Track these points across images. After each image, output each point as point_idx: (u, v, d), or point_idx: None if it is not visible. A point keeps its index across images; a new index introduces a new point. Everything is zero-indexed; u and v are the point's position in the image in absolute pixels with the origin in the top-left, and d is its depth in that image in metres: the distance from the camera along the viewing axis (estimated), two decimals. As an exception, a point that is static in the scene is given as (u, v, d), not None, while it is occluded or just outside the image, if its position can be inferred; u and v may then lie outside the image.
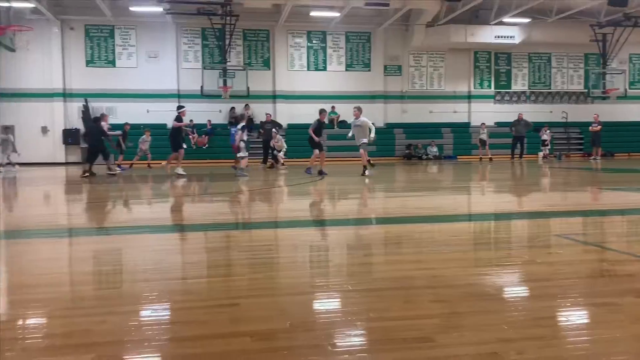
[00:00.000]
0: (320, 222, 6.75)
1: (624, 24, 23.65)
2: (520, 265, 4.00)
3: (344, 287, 3.39)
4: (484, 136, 22.70)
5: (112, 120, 19.24)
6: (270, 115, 20.99)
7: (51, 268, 4.07)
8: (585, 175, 14.90)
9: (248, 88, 22.19)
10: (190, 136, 21.63)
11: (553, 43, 25.27)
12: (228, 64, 22.34)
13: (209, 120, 23.12)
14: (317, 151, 14.15)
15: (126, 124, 19.23)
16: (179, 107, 14.92)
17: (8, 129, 20.56)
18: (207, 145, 22.44)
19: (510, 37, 24.09)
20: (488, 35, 23.89)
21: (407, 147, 24.41)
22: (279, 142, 18.36)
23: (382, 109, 24.97)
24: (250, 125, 19.70)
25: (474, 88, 26.08)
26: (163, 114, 21.59)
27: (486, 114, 25.17)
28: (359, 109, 13.14)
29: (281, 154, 18.32)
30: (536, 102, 26.62)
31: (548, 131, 23.18)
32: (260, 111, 22.68)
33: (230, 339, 2.47)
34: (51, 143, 22.64)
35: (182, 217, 7.35)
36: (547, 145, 23.15)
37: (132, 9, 21.69)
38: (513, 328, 2.59)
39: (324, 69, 24.69)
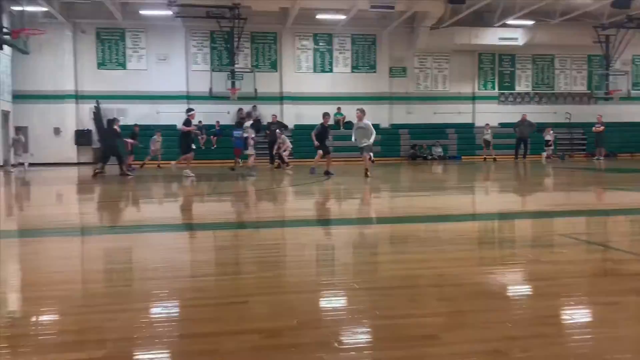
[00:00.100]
0: (326, 222, 6.85)
1: (627, 26, 23.90)
2: (525, 264, 4.06)
3: (350, 286, 3.41)
4: (488, 137, 23.00)
5: (123, 121, 19.52)
6: (276, 116, 21.32)
7: (63, 266, 4.14)
8: (589, 175, 15.08)
9: (256, 90, 22.55)
10: (200, 137, 21.97)
11: (556, 45, 25.50)
12: (236, 66, 22.71)
13: (218, 122, 23.46)
14: (320, 151, 14.36)
15: (135, 125, 19.61)
16: (188, 110, 15.16)
17: (19, 130, 20.94)
18: (215, 146, 22.77)
19: (514, 39, 24.37)
20: (492, 37, 24.17)
21: (411, 147, 24.70)
22: (284, 142, 18.68)
23: (387, 110, 25.29)
24: (258, 126, 20.02)
25: (478, 89, 26.36)
26: (172, 115, 21.97)
27: (490, 114, 25.43)
28: (362, 112, 13.17)
29: (286, 153, 18.62)
30: (540, 103, 26.87)
31: (552, 132, 23.45)
32: (267, 112, 23.00)
33: (240, 336, 2.49)
34: (63, 144, 23.03)
35: (191, 217, 7.48)
36: (551, 145, 23.41)
37: (142, 12, 22.09)
38: (518, 326, 2.61)
39: (330, 70, 25.02)
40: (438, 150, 24.58)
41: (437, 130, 25.27)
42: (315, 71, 24.89)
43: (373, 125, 13.29)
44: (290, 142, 19.20)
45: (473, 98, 26.28)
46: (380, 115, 24.18)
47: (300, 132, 22.08)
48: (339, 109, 24.00)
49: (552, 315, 2.82)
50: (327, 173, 13.64)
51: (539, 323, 2.66)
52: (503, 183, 12.87)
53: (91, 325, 2.68)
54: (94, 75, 23.26)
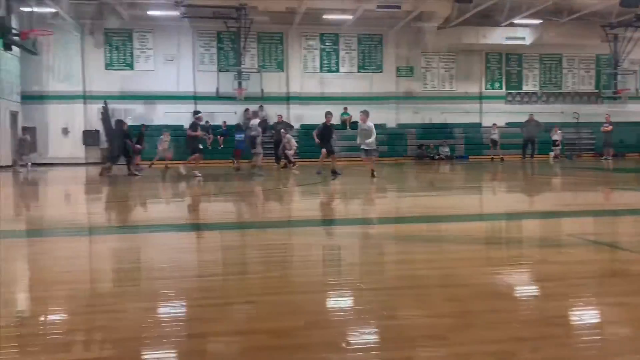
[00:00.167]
0: (332, 222, 6.87)
1: (636, 25, 23.74)
2: (533, 264, 4.06)
3: (357, 286, 3.43)
4: (495, 136, 22.94)
5: (130, 122, 19.60)
6: (282, 116, 21.38)
7: (71, 266, 4.15)
8: (597, 175, 15.03)
9: (262, 90, 22.58)
10: (207, 137, 22.03)
11: (564, 44, 25.40)
12: (243, 66, 22.75)
13: (224, 122, 23.53)
14: (324, 151, 14.32)
15: (142, 125, 19.69)
16: (195, 113, 15.15)
17: (26, 130, 21.09)
18: (222, 146, 22.84)
19: (521, 39, 24.30)
20: (499, 36, 24.12)
21: (418, 147, 24.66)
22: (290, 141, 18.70)
23: (394, 110, 25.27)
24: (264, 126, 20.06)
25: (485, 89, 26.30)
26: (180, 115, 22.07)
27: (497, 114, 25.36)
28: (365, 114, 13.14)
29: (291, 152, 18.63)
30: (547, 102, 26.76)
31: (559, 131, 23.35)
32: (273, 113, 23.05)
33: (248, 336, 2.51)
34: (71, 144, 23.19)
35: (198, 217, 7.51)
36: (558, 145, 23.32)
37: (149, 13, 22.18)
38: (526, 327, 2.60)
39: (337, 70, 25.04)
40: (445, 150, 24.54)
41: (444, 130, 25.24)
42: (321, 71, 24.91)
43: (379, 125, 13.29)
44: (296, 141, 19.24)
45: (480, 98, 26.22)
46: (387, 115, 24.18)
47: (306, 132, 22.10)
48: (345, 109, 24.02)
49: (561, 316, 2.81)
50: (334, 173, 13.61)
51: (547, 324, 2.64)
52: (510, 183, 12.85)
53: (99, 324, 2.69)
54: (101, 75, 23.40)
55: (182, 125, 20.54)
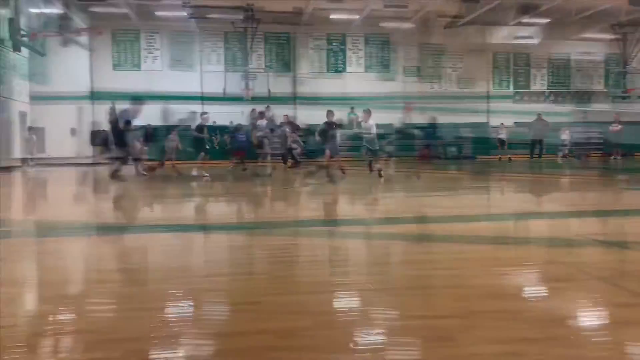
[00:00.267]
0: (339, 222, 6.86)
1: (645, 24, 23.60)
2: (542, 264, 4.06)
3: (365, 287, 3.44)
4: (502, 136, 22.83)
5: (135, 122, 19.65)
6: (288, 116, 21.35)
7: (79, 266, 4.22)
8: (606, 175, 14.93)
9: (269, 90, 22.57)
10: (214, 137, 22.03)
11: (573, 43, 25.25)
12: (250, 66, 22.78)
13: (231, 122, 23.52)
14: (328, 151, 14.24)
15: (148, 125, 19.69)
16: (203, 114, 15.15)
17: (32, 130, 21.20)
18: (230, 146, 22.81)
19: (530, 38, 24.18)
20: (507, 35, 24.00)
21: (425, 147, 24.56)
22: (296, 142, 18.64)
23: (401, 110, 25.16)
24: (271, 126, 20.04)
25: (493, 88, 26.18)
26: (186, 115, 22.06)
27: (505, 114, 25.23)
28: (368, 112, 13.13)
29: (298, 151, 18.57)
30: (555, 102, 26.59)
31: (567, 131, 23.21)
32: (280, 113, 23.02)
33: (255, 336, 2.52)
34: (79, 143, 23.30)
35: (205, 217, 7.54)
36: (567, 145, 23.17)
37: (157, 13, 22.26)
38: (534, 328, 2.59)
39: (344, 70, 25.02)
40: (452, 150, 24.43)
41: (451, 130, 25.10)
42: (328, 71, 24.90)
43: (386, 125, 13.21)
44: (303, 142, 19.21)
45: (488, 97, 26.10)
46: (394, 115, 24.08)
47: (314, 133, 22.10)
48: (352, 109, 23.95)
49: (570, 317, 2.83)
50: (341, 171, 13.55)
51: (556, 325, 2.64)
52: (518, 184, 12.75)
53: (107, 324, 2.72)
54: (109, 76, 23.49)
55: (189, 126, 20.52)
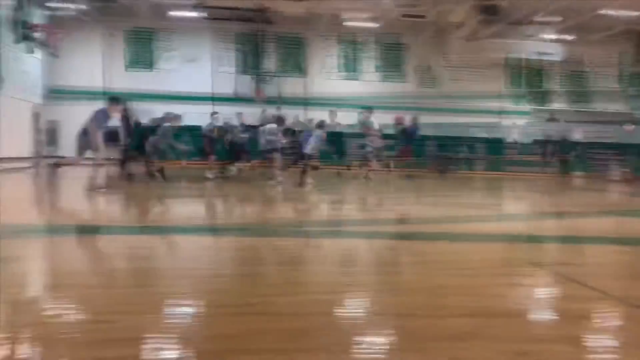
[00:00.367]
0: (344, 224, 6.93)
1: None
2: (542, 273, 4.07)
3: (372, 289, 3.56)
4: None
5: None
6: (297, 117, 21.15)
7: (86, 266, 4.18)
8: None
9: (281, 93, 22.38)
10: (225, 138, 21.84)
11: (594, 61, 24.62)
12: (262, 69, 22.70)
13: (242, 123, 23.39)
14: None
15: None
16: (213, 114, 15.06)
17: (42, 130, 21.32)
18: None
19: (550, 54, 23.61)
20: (527, 50, 23.47)
21: (436, 157, 23.98)
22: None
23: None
24: (282, 128, 19.78)
25: (510, 103, 25.64)
26: (197, 116, 21.96)
27: (521, 130, 24.67)
28: (368, 111, 12.90)
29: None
30: (574, 120, 25.84)
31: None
32: (292, 115, 22.87)
33: (262, 336, 2.56)
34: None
35: (212, 218, 7.55)
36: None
37: (170, 13, 22.33)
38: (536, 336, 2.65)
39: (358, 77, 24.80)
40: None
41: (465, 143, 24.52)
42: (342, 76, 24.70)
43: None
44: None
45: (504, 112, 25.52)
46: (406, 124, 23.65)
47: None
48: (362, 112, 23.59)
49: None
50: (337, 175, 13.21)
51: (559, 334, 2.72)
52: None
53: (114, 325, 2.70)
54: (122, 75, 23.58)
55: (200, 126, 20.41)
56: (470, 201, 10.85)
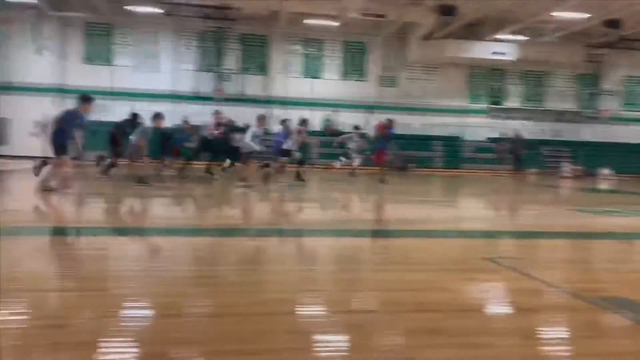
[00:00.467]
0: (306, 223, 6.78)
1: (619, 46, 23.87)
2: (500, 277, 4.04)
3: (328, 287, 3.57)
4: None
5: (103, 118, 19.08)
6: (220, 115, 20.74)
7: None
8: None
9: (242, 92, 22.27)
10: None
11: (548, 61, 25.45)
12: (223, 67, 22.51)
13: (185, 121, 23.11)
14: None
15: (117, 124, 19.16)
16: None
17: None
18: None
19: (506, 54, 24.23)
20: (483, 51, 24.02)
21: (396, 155, 24.32)
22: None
23: (376, 119, 25.00)
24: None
25: (468, 103, 26.22)
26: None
27: (479, 128, 25.27)
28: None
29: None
30: (529, 119, 26.70)
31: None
32: (252, 114, 22.76)
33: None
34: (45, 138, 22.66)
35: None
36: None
37: (130, 8, 21.86)
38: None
39: (320, 76, 24.87)
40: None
41: (424, 142, 24.98)
42: (305, 76, 24.73)
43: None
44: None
45: (462, 111, 26.10)
46: (370, 124, 23.92)
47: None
48: (327, 115, 23.74)
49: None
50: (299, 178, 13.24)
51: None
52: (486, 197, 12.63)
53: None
54: (79, 70, 22.99)
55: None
56: (428, 199, 11.11)
